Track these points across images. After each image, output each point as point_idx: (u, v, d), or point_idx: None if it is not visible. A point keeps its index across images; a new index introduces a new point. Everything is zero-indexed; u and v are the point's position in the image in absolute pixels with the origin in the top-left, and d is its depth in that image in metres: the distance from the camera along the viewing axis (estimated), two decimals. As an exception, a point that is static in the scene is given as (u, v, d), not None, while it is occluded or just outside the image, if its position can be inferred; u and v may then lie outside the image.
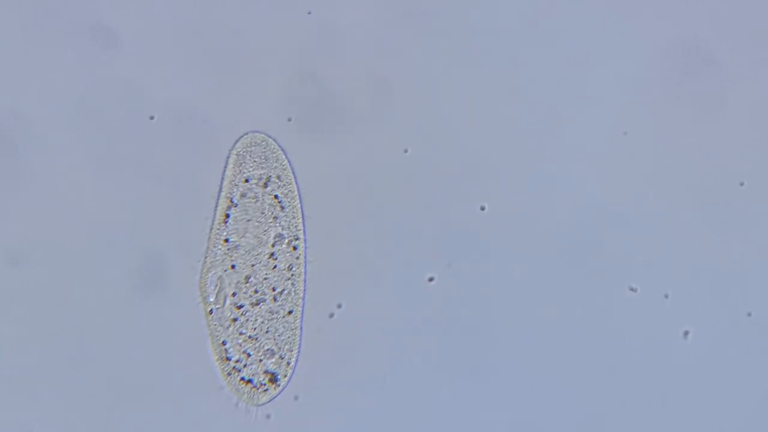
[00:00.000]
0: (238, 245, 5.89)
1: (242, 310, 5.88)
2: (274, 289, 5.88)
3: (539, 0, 6.03)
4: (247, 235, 5.90)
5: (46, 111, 5.93)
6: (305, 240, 5.91)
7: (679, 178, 5.98)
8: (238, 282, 5.87)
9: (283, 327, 5.90)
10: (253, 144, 5.94)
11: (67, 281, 5.88)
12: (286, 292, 5.89)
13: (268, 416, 5.87)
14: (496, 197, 5.96)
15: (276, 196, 5.91)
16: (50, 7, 5.98)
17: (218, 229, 5.90)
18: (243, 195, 5.92)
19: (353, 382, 5.90)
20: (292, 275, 5.90)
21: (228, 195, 5.91)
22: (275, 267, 5.89)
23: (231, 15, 5.99)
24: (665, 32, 6.03)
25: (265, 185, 5.91)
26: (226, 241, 5.89)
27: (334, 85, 5.97)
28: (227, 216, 5.90)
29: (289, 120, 5.89)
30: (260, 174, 5.92)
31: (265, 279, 5.89)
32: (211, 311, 5.88)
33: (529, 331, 5.91)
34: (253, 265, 5.89)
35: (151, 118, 5.91)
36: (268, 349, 5.88)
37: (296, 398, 5.86)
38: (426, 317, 5.92)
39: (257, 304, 5.88)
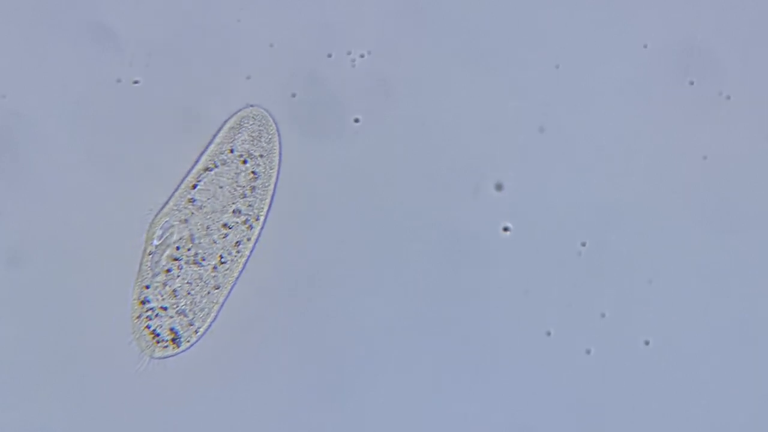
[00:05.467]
0: (202, 206, 6.01)
1: (178, 263, 5.98)
2: (221, 258, 5.99)
3: (539, 0, 6.13)
4: (213, 199, 6.02)
5: (46, 111, 5.97)
6: (264, 224, 6.05)
7: (678, 178, 6.07)
8: (182, 237, 5.98)
9: (207, 298, 6.00)
10: (252, 118, 6.09)
11: (67, 281, 5.94)
12: (225, 266, 6.00)
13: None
14: (495, 196, 6.05)
15: (254, 173, 6.06)
16: (50, 7, 6.02)
17: (187, 187, 6.03)
18: (223, 163, 6.06)
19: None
20: (239, 252, 6.02)
21: (210, 159, 6.05)
22: (225, 236, 6.02)
23: (231, 15, 6.08)
24: (665, 32, 6.11)
25: (245, 161, 6.05)
26: (192, 201, 6.01)
27: (334, 85, 6.07)
28: (199, 180, 6.03)
29: (293, 96, 6.05)
30: (246, 149, 6.07)
31: (214, 243, 6.01)
32: (150, 253, 5.98)
33: (530, 330, 5.99)
34: (207, 227, 6.01)
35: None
36: (181, 310, 5.97)
37: None
38: (422, 316, 6.03)
39: (195, 262, 5.99)
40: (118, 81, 5.95)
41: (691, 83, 6.00)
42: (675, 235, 6.03)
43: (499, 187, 6.02)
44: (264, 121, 6.06)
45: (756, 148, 6.08)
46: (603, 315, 5.99)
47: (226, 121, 6.05)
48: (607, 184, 6.05)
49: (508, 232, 5.97)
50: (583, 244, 5.99)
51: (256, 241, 6.02)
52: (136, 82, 5.89)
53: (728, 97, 6.06)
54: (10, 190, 5.91)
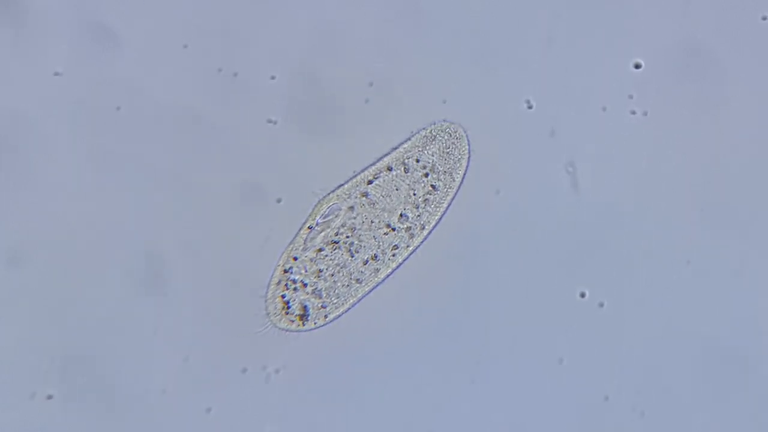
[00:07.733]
0: (375, 202, 6.08)
1: (334, 246, 6.05)
2: (375, 256, 6.05)
3: (539, 0, 6.10)
4: (386, 198, 6.08)
5: (46, 111, 6.00)
6: (427, 237, 6.09)
7: (678, 178, 6.03)
8: (344, 225, 6.05)
9: (346, 289, 6.05)
10: (448, 132, 6.14)
11: (67, 281, 5.97)
12: (376, 264, 6.05)
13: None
14: (495, 196, 6.06)
15: (433, 186, 6.11)
16: (51, 7, 6.06)
17: (362, 180, 6.11)
18: (406, 170, 6.12)
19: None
20: (393, 255, 6.07)
21: (393, 161, 6.12)
22: (386, 234, 6.07)
23: (231, 15, 6.09)
24: (665, 32, 6.07)
25: (426, 174, 6.10)
26: (365, 195, 6.09)
27: (334, 85, 6.08)
28: (376, 177, 6.10)
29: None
30: (430, 162, 6.12)
31: (373, 239, 6.07)
32: (310, 227, 6.06)
33: (531, 330, 5.99)
34: (372, 222, 6.07)
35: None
36: (318, 291, 6.03)
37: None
38: (427, 318, 6.05)
39: (349, 252, 6.05)
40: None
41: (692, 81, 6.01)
42: (675, 235, 6.00)
43: (498, 187, 6.03)
44: (459, 140, 6.11)
45: (756, 147, 6.04)
46: (602, 304, 5.99)
47: (422, 128, 6.12)
48: (609, 183, 6.05)
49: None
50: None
51: (413, 251, 6.06)
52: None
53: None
54: (10, 190, 5.95)
